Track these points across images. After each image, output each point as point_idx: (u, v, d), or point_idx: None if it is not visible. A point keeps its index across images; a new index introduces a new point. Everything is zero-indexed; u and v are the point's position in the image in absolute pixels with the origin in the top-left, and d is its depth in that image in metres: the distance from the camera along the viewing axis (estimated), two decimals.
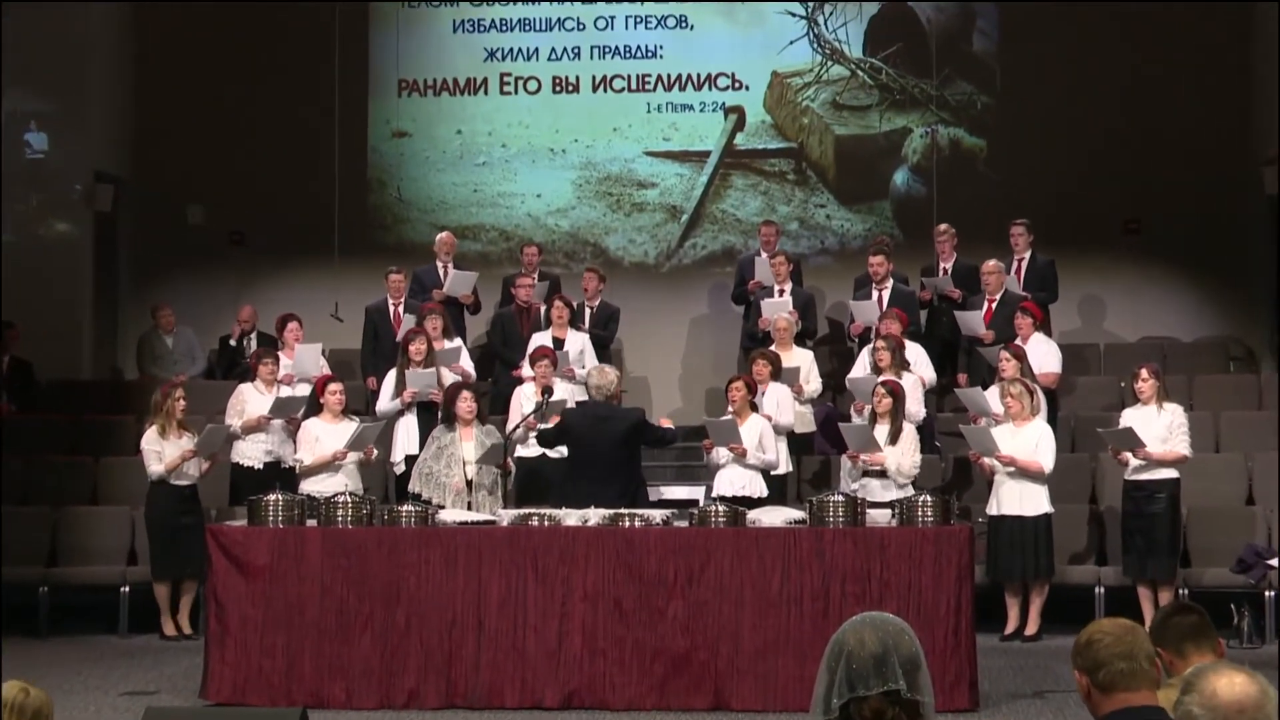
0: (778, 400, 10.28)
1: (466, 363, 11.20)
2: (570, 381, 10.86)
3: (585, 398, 9.68)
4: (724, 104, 14.50)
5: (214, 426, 10.24)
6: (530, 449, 10.10)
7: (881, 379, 10.03)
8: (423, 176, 14.75)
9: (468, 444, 9.29)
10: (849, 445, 9.75)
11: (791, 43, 14.43)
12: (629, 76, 14.56)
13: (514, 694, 7.75)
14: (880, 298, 11.79)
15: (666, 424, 9.35)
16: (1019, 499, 9.53)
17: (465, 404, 9.37)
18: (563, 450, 9.55)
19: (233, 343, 12.87)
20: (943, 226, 12.48)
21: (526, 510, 8.23)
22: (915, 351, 10.91)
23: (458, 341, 11.34)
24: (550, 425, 9.26)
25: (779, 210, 14.30)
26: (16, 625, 10.16)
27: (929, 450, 10.86)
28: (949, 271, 12.26)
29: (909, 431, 9.73)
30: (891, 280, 11.89)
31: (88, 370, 14.05)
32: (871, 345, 10.72)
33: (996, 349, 10.51)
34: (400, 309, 12.03)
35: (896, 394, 9.76)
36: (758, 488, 9.66)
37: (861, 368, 10.87)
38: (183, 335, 13.21)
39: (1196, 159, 13.56)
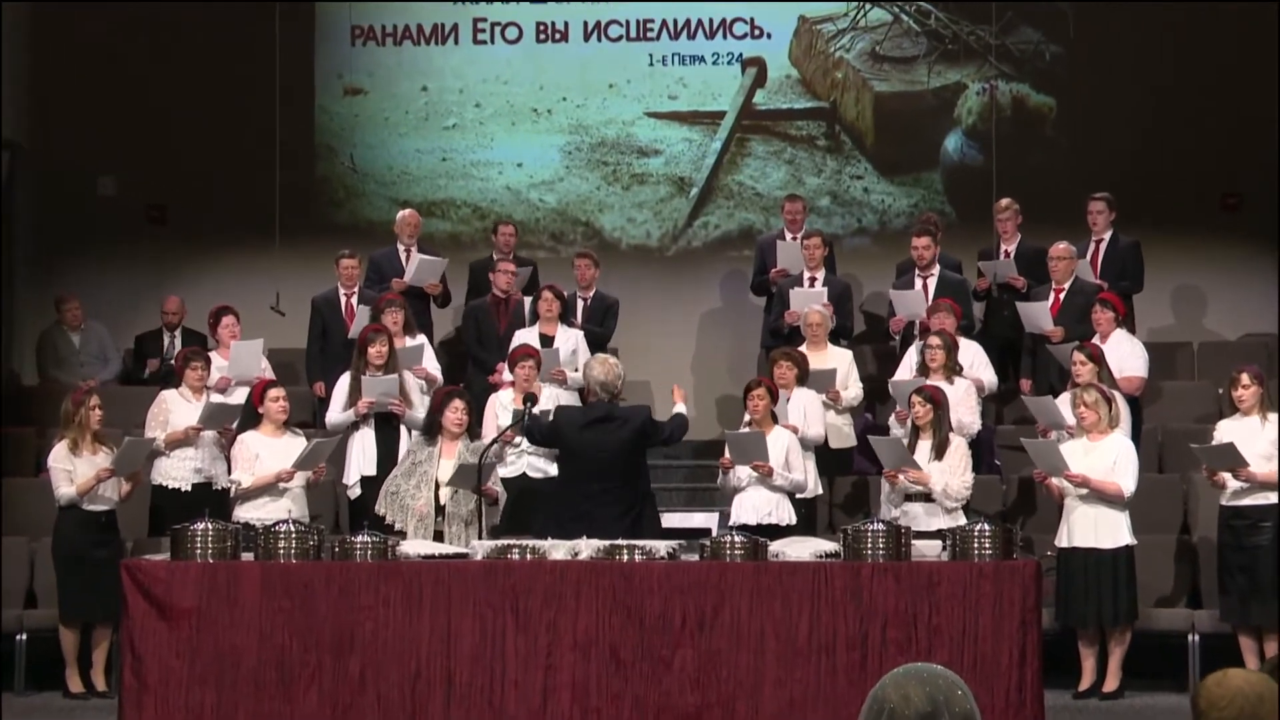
0: (804, 408, 10.30)
1: (430, 362, 11.19)
2: (561, 386, 10.87)
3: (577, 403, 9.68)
4: (741, 55, 14.52)
5: (133, 440, 10.24)
6: (511, 468, 10.11)
7: (919, 384, 10.04)
8: (381, 142, 14.76)
9: (447, 462, 9.28)
10: (883, 462, 9.78)
11: None
12: (627, 22, 14.58)
13: None
14: (925, 286, 11.82)
15: (679, 401, 9.21)
16: (1094, 528, 9.53)
17: (454, 414, 9.36)
18: (550, 470, 9.55)
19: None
20: (1004, 202, 12.50)
21: (505, 542, 8.22)
22: (972, 351, 10.93)
23: (421, 338, 11.34)
24: (542, 418, 9.17)
25: (807, 182, 14.32)
26: None
27: (987, 469, 10.87)
28: (1011, 255, 12.29)
29: (957, 445, 9.73)
30: (939, 266, 11.91)
31: None
32: (921, 343, 10.73)
33: (1068, 348, 10.52)
34: (353, 300, 12.06)
35: (937, 401, 9.76)
36: (785, 514, 9.70)
37: (907, 369, 10.89)
38: (92, 331, 13.21)
39: None
